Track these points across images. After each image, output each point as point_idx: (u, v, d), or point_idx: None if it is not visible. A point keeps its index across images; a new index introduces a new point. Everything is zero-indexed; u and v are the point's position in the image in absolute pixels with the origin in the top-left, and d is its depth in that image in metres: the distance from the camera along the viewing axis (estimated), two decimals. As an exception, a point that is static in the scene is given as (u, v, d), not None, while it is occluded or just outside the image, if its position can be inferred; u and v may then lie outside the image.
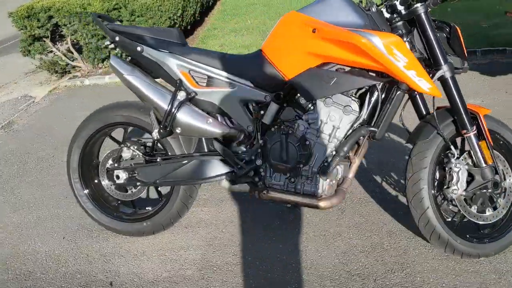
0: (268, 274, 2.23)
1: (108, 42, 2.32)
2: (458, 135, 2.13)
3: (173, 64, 2.22)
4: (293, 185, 2.23)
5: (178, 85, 2.22)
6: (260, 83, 2.18)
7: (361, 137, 2.12)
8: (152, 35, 2.26)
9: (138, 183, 2.44)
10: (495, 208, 2.19)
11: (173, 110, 2.19)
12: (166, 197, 2.49)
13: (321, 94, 2.06)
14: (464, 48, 2.10)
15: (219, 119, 2.29)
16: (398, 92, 2.06)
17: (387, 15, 2.09)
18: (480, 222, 2.18)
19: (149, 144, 2.46)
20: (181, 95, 2.22)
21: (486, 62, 4.96)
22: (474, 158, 2.11)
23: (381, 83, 2.05)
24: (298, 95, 2.18)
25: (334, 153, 2.14)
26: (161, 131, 2.25)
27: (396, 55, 1.89)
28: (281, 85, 2.15)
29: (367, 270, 2.20)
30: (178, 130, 2.22)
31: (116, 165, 2.46)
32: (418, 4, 2.01)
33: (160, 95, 2.21)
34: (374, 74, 2.04)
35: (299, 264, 2.29)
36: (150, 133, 2.33)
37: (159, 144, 2.43)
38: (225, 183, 2.33)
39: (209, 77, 2.22)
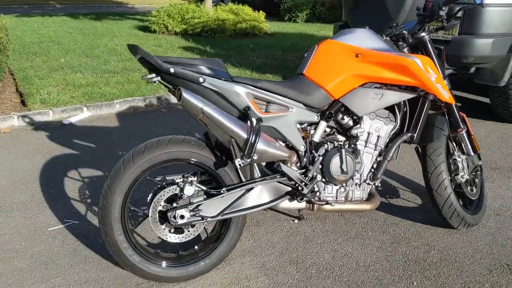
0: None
1: (152, 75, 2.11)
2: (453, 133, 2.71)
3: (242, 92, 2.18)
4: (343, 194, 2.46)
5: (249, 113, 2.19)
6: (311, 104, 2.35)
7: (403, 142, 2.51)
8: (208, 65, 2.17)
9: (201, 221, 2.23)
10: (476, 187, 2.85)
11: (253, 137, 2.14)
12: (223, 229, 2.34)
13: (372, 108, 2.38)
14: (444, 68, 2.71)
15: (279, 142, 2.34)
16: (427, 102, 2.53)
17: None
18: (473, 199, 2.79)
19: (204, 178, 2.30)
20: (255, 123, 2.19)
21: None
22: (464, 149, 2.71)
23: (413, 96, 2.48)
24: (342, 112, 2.42)
25: (380, 159, 2.48)
26: (244, 159, 2.15)
27: (430, 72, 2.36)
28: (329, 104, 2.37)
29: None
30: (255, 157, 2.17)
31: (175, 205, 2.20)
32: (424, 33, 2.54)
33: (238, 124, 2.12)
34: (406, 89, 2.47)
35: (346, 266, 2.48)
36: (200, 168, 2.25)
37: (201, 176, 2.30)
38: (286, 204, 2.38)
39: (268, 102, 2.26)
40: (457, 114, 2.64)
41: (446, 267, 2.43)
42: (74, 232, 2.75)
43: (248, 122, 2.16)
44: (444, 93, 2.45)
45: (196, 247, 2.37)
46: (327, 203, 2.42)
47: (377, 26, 3.83)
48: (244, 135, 2.13)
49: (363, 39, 2.43)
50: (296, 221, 2.87)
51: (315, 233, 2.75)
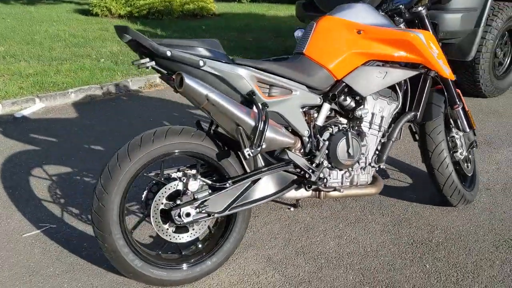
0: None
1: (145, 60, 1.88)
2: (450, 110, 2.65)
3: (246, 75, 1.99)
4: (349, 179, 2.35)
5: (254, 98, 2.01)
6: (313, 85, 2.20)
7: (406, 122, 2.42)
8: (207, 46, 1.97)
9: (207, 217, 2.04)
10: (470, 163, 2.83)
11: (262, 125, 1.96)
12: (229, 223, 2.16)
13: (376, 88, 2.27)
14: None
15: (283, 128, 2.17)
16: (428, 79, 2.44)
17: None
18: (469, 175, 2.77)
19: (203, 170, 2.12)
20: (262, 109, 2.01)
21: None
22: (460, 126, 2.67)
23: (416, 73, 2.39)
24: (345, 93, 2.29)
25: (384, 140, 2.38)
26: (254, 148, 1.97)
27: (432, 48, 2.28)
28: (331, 85, 2.24)
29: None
30: (264, 145, 2.00)
31: (178, 202, 1.99)
32: (421, 8, 2.45)
33: (245, 111, 1.93)
34: (408, 66, 2.37)
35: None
36: (201, 160, 2.07)
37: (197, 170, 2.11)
38: (293, 193, 2.25)
39: (271, 85, 2.09)
40: (453, 91, 2.59)
41: (454, 246, 2.39)
42: (54, 237, 2.49)
43: (254, 108, 1.99)
44: (445, 69, 2.38)
45: (200, 246, 2.18)
46: (334, 189, 2.30)
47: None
48: (252, 123, 1.95)
49: (363, 14, 2.30)
50: (292, 209, 2.75)
51: (314, 220, 2.64)
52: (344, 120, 2.34)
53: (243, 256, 2.32)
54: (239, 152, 2.10)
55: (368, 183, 2.41)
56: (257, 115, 1.96)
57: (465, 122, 2.64)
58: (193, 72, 1.92)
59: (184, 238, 2.07)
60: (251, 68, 2.02)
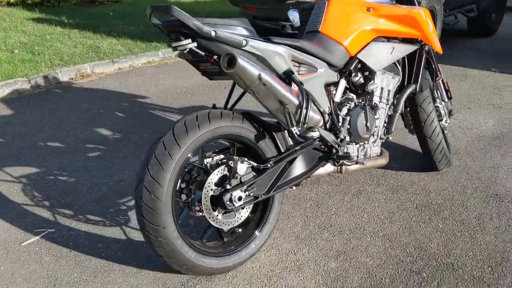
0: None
1: (187, 41, 1.80)
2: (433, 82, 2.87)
3: (284, 53, 1.98)
4: (363, 152, 2.46)
5: (293, 76, 2.00)
6: (332, 62, 2.25)
7: (410, 94, 2.57)
8: (245, 26, 1.93)
9: (255, 200, 2.01)
10: (446, 130, 3.08)
11: (305, 103, 1.98)
12: (266, 206, 2.15)
13: (385, 63, 2.39)
14: None
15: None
16: (424, 53, 2.61)
17: None
18: (448, 141, 3.03)
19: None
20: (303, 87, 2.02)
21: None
22: (440, 96, 2.90)
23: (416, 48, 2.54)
24: (358, 69, 2.38)
25: (391, 113, 2.52)
26: (301, 126, 1.98)
27: (429, 24, 2.45)
28: (347, 61, 2.32)
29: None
30: (307, 123, 2.02)
31: (228, 187, 1.93)
32: None
33: (289, 90, 1.93)
34: (407, 42, 2.52)
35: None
36: (239, 142, 2.04)
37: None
38: (320, 170, 2.30)
39: (300, 63, 2.10)
40: (435, 64, 2.80)
41: (453, 206, 2.61)
42: (59, 242, 2.28)
43: (294, 86, 1.99)
44: (437, 43, 2.56)
45: (240, 230, 2.14)
46: (356, 162, 2.39)
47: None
48: (296, 101, 1.96)
49: None
50: (294, 188, 2.78)
51: (320, 197, 2.71)
52: (354, 96, 2.43)
53: (271, 238, 2.32)
54: (273, 133, 2.10)
55: (378, 154, 2.53)
56: (299, 94, 1.97)
57: (444, 93, 2.87)
58: (233, 53, 1.86)
59: (232, 223, 2.03)
60: (287, 46, 2.02)
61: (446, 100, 2.88)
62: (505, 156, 3.19)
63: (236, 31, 1.88)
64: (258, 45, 1.91)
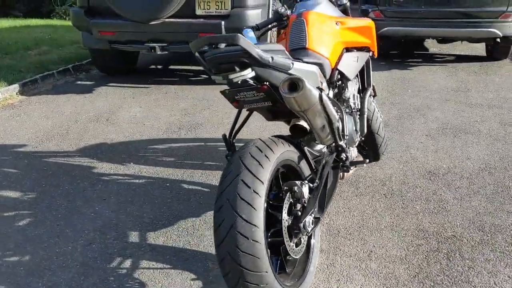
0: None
1: (247, 72, 1.74)
2: None
3: (317, 71, 2.08)
4: (350, 155, 2.63)
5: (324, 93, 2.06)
6: (325, 75, 2.39)
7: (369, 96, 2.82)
8: (280, 48, 1.98)
9: (319, 221, 2.02)
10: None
11: (344, 118, 2.10)
12: None
13: (355, 71, 2.64)
14: None
15: None
16: (370, 59, 2.87)
17: None
18: None
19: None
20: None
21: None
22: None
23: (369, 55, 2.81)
24: (337, 79, 2.54)
25: (359, 115, 2.74)
26: (346, 140, 2.04)
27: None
28: (331, 73, 2.47)
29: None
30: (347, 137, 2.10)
31: (299, 213, 1.89)
32: (345, 1, 2.86)
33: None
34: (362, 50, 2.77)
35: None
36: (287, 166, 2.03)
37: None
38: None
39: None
40: None
41: (414, 188, 2.99)
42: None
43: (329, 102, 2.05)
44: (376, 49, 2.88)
45: (296, 257, 2.07)
46: (355, 167, 2.52)
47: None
48: (337, 117, 2.03)
49: (331, 8, 2.60)
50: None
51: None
52: (346, 102, 2.59)
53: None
54: (304, 151, 2.12)
55: (356, 156, 2.71)
56: (337, 109, 2.05)
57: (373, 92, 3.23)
58: (281, 76, 1.85)
59: (301, 250, 1.97)
60: (316, 65, 2.07)
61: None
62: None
63: (283, 54, 1.85)
64: (299, 67, 1.94)
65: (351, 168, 2.52)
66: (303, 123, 2.26)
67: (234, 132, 2.25)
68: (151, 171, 3.26)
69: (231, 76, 1.71)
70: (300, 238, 1.95)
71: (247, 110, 2.13)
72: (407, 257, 2.31)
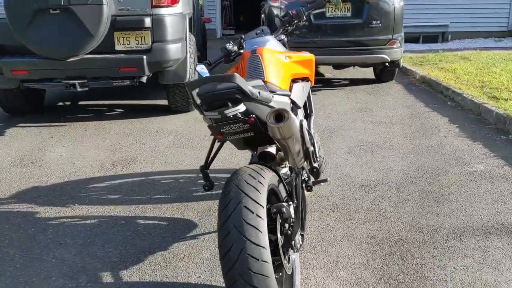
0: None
1: (240, 106, 1.96)
2: None
3: (287, 101, 2.42)
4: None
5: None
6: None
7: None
8: (262, 84, 2.19)
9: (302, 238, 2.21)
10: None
11: (314, 141, 2.32)
12: None
13: (303, 100, 2.89)
14: None
15: None
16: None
17: None
18: None
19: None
20: None
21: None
22: None
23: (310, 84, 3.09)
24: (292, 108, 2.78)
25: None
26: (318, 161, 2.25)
27: None
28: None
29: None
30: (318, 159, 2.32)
31: (289, 231, 2.05)
32: (283, 36, 3.14)
33: None
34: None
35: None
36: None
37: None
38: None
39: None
40: None
41: (355, 201, 3.31)
42: None
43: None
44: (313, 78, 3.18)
45: (289, 273, 2.23)
46: (317, 183, 2.74)
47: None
48: (309, 141, 2.25)
49: (277, 44, 2.84)
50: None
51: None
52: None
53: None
54: (281, 173, 2.31)
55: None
56: (308, 134, 2.27)
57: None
58: (265, 109, 2.04)
59: (291, 266, 2.12)
60: (286, 96, 2.27)
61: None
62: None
63: (261, 89, 2.03)
64: (277, 99, 2.12)
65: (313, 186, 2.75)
66: (270, 149, 2.45)
67: (208, 162, 2.36)
68: (100, 210, 3.20)
69: (226, 111, 1.84)
70: (289, 255, 2.11)
71: (229, 141, 2.26)
72: (369, 262, 2.58)
